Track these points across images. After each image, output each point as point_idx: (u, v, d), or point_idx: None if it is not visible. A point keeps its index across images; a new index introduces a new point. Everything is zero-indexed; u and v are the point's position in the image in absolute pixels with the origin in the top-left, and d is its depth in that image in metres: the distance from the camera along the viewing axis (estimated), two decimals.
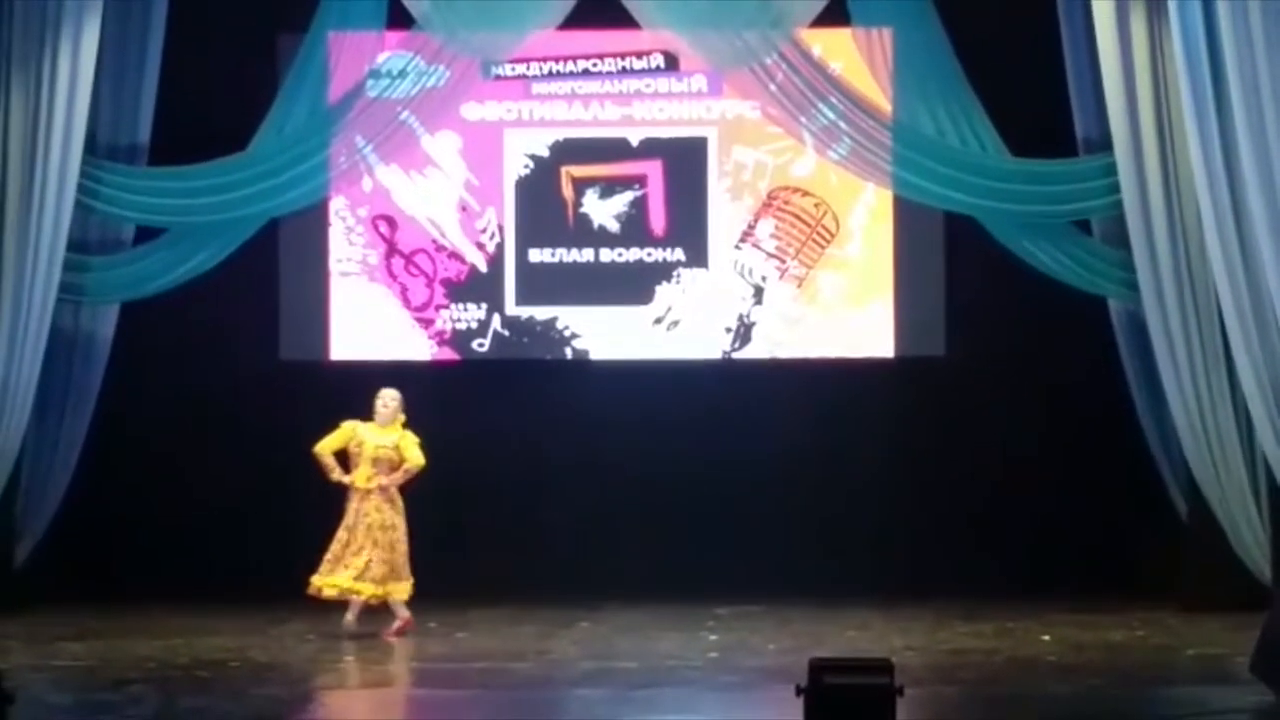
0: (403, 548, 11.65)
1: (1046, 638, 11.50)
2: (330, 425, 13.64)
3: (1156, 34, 12.22)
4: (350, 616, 11.58)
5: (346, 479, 11.66)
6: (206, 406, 13.70)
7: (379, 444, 11.66)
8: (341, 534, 11.62)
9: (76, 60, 12.35)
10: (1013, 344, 13.57)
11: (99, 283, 12.86)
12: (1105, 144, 12.43)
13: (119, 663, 10.53)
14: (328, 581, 11.57)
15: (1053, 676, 10.15)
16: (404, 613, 11.67)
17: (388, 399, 11.76)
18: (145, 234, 12.99)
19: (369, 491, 11.62)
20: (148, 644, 11.22)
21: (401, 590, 11.65)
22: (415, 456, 11.68)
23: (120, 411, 13.17)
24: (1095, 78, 12.41)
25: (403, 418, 11.78)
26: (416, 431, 11.78)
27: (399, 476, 11.68)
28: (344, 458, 11.73)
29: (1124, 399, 12.84)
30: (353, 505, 11.65)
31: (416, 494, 11.95)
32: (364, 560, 11.54)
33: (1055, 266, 12.61)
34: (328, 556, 11.59)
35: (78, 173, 12.42)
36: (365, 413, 11.77)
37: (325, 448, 11.69)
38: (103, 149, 12.79)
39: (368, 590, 11.56)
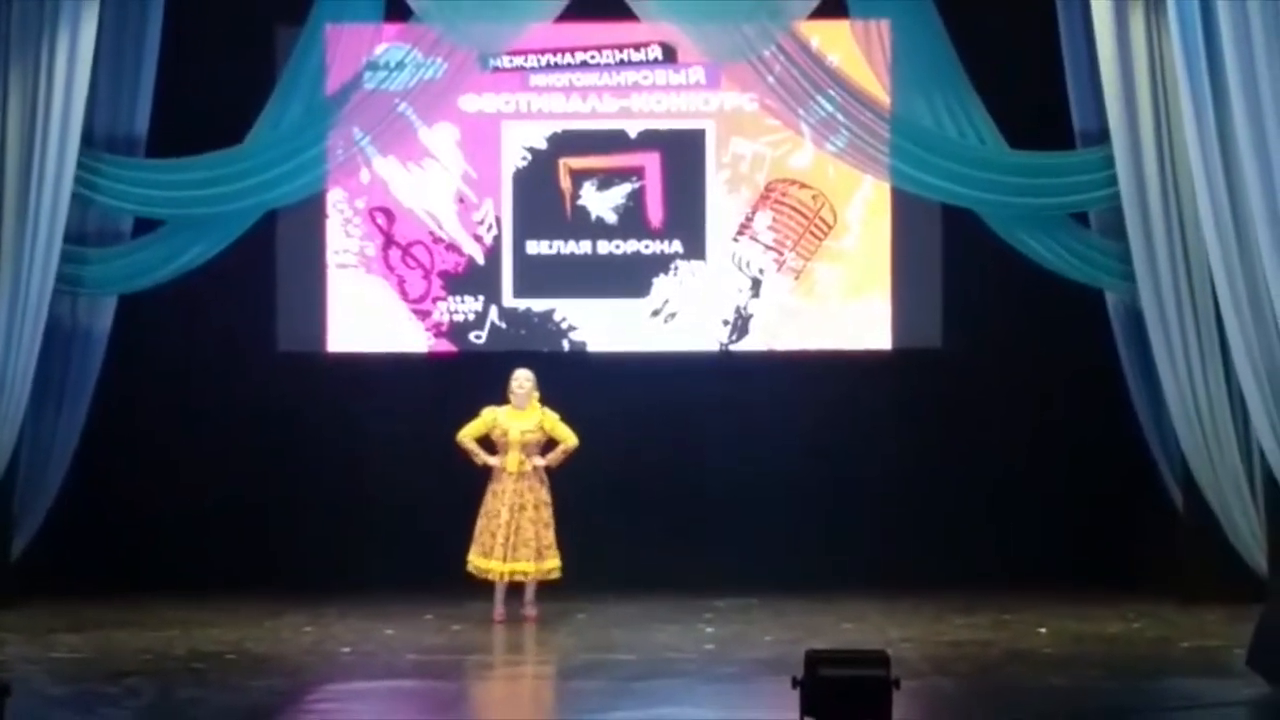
0: (551, 525, 11.78)
1: (1043, 630, 11.51)
2: (328, 416, 13.67)
3: (1154, 26, 12.23)
4: (500, 606, 11.77)
5: (493, 462, 11.73)
6: (204, 398, 13.70)
7: (524, 429, 11.75)
8: (489, 520, 11.67)
9: (74, 51, 12.32)
10: (1010, 336, 13.59)
11: (96, 274, 12.83)
12: (1103, 136, 12.43)
13: (116, 655, 10.53)
14: (490, 565, 11.67)
15: (1049, 669, 10.14)
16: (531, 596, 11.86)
17: (522, 380, 11.82)
18: (143, 226, 12.97)
19: (521, 475, 11.71)
20: (144, 636, 11.22)
21: (554, 567, 11.80)
22: (569, 435, 11.80)
23: (118, 404, 13.16)
24: (1093, 70, 12.42)
25: (537, 395, 11.86)
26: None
27: (559, 456, 11.80)
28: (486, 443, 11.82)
29: (1120, 391, 12.86)
30: (500, 488, 11.69)
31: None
32: (527, 538, 11.64)
33: (1052, 259, 12.62)
34: (490, 543, 11.62)
35: (75, 164, 12.39)
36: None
37: (468, 435, 11.78)
38: (100, 140, 12.76)
39: (531, 569, 11.69)
